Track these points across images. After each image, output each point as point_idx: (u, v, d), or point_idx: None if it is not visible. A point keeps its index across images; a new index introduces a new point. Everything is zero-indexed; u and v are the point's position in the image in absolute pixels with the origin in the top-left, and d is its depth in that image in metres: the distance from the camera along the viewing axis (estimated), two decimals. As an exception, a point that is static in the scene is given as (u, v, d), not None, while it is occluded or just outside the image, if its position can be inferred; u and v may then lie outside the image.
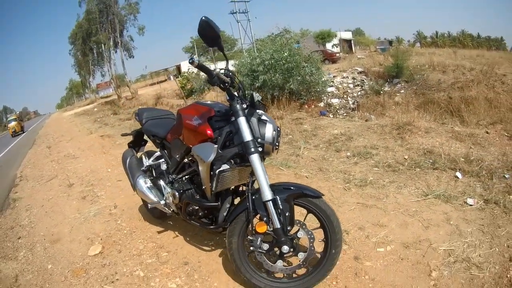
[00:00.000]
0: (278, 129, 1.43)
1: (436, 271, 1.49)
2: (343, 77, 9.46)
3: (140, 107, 5.64)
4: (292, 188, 1.40)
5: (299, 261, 1.43)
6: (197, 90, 7.01)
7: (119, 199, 2.87)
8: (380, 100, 7.60)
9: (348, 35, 25.21)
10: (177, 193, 1.70)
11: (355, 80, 9.20)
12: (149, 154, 2.21)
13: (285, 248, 1.37)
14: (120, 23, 18.00)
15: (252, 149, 1.33)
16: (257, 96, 1.38)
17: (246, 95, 1.46)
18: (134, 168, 2.09)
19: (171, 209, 1.87)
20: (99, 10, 17.36)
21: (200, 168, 1.46)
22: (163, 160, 1.99)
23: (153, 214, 2.35)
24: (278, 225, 1.34)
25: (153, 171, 2.12)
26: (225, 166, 1.41)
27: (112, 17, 17.64)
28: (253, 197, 1.39)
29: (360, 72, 10.02)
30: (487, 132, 3.62)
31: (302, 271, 1.48)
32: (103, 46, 18.67)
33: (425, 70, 9.37)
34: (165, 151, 1.99)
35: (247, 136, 1.34)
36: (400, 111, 5.80)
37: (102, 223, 2.45)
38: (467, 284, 1.39)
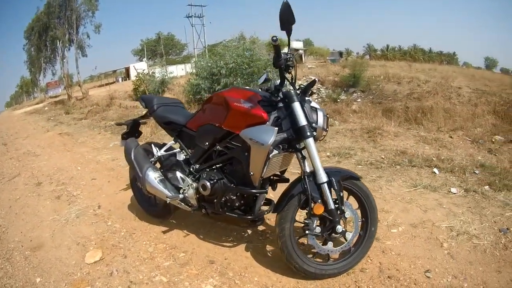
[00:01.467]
0: (327, 115, 1.64)
1: (446, 243, 1.88)
2: (299, 85, 10.39)
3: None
4: (340, 171, 1.61)
5: (346, 241, 1.63)
6: (152, 92, 6.90)
7: (101, 198, 2.74)
8: (338, 107, 8.52)
9: (299, 45, 27.11)
10: (208, 183, 1.73)
11: (311, 89, 10.15)
12: (156, 145, 2.17)
13: (339, 228, 1.56)
14: (77, 19, 18.03)
15: (308, 133, 1.50)
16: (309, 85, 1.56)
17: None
18: (142, 159, 2.04)
19: (189, 204, 1.88)
20: (59, 4, 17.30)
21: (252, 153, 1.52)
22: (179, 149, 2.00)
23: (150, 213, 2.29)
24: (332, 206, 1.53)
25: (163, 162, 2.09)
26: (275, 151, 1.54)
27: (70, 13, 17.54)
28: (308, 180, 1.55)
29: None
30: (451, 137, 4.49)
31: (343, 253, 1.68)
32: (58, 42, 18.38)
33: (380, 81, 10.83)
34: (180, 140, 2.01)
35: (303, 120, 1.51)
36: (364, 117, 6.67)
37: (89, 225, 2.28)
38: (472, 251, 1.81)
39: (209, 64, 6.11)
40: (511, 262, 1.71)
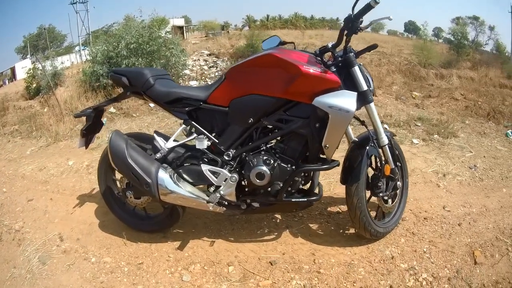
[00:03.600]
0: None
1: (440, 183, 2.51)
2: (194, 60, 10.29)
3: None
4: (387, 131, 1.82)
5: (396, 193, 1.88)
6: (44, 87, 6.39)
7: (55, 225, 2.14)
8: None
9: (180, 22, 28.48)
10: (266, 170, 1.58)
11: (207, 62, 10.26)
12: (158, 134, 1.78)
13: (399, 184, 1.82)
14: None
15: (370, 97, 1.62)
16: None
17: None
18: (145, 158, 1.66)
19: (226, 203, 1.69)
20: None
21: (332, 122, 1.49)
22: (197, 135, 1.69)
23: (143, 229, 1.95)
24: (393, 165, 1.74)
25: (175, 157, 1.75)
26: None
27: None
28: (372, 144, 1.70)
29: (210, 55, 11.18)
30: (375, 96, 5.53)
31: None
32: None
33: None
34: (196, 122, 1.71)
35: (364, 85, 1.59)
36: None
37: (65, 271, 1.67)
38: (461, 186, 2.51)
39: (105, 48, 6.22)
40: (492, 188, 2.49)
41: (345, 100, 1.48)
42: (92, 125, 1.89)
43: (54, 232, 2.02)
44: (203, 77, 9.10)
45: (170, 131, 3.74)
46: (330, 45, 1.61)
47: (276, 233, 1.94)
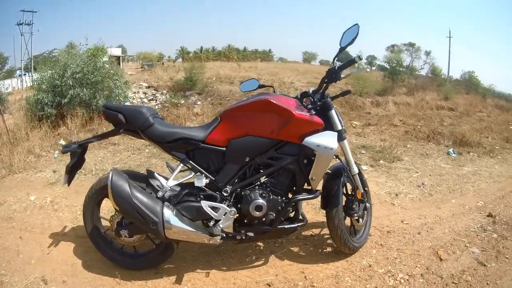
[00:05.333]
0: None
1: (395, 202, 3.16)
2: (134, 92, 10.43)
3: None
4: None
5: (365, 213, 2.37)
6: None
7: (32, 266, 2.16)
8: (180, 112, 9.32)
9: (118, 52, 29.39)
10: (264, 202, 1.91)
11: (147, 95, 10.49)
12: (151, 174, 2.03)
13: (367, 205, 2.33)
14: None
15: (344, 135, 2.10)
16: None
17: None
18: (149, 199, 1.85)
19: (224, 235, 1.95)
20: None
21: (319, 158, 1.89)
22: (195, 173, 1.94)
23: (135, 267, 2.09)
24: (363, 190, 2.27)
25: (175, 195, 1.97)
26: None
27: None
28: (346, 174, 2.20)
29: (149, 87, 11.42)
30: None
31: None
32: None
33: (213, 82, 12.46)
34: (193, 161, 1.95)
35: (339, 125, 2.02)
36: (206, 118, 7.85)
37: None
38: (413, 202, 3.16)
39: (50, 76, 6.37)
40: (441, 201, 3.20)
41: (329, 139, 1.91)
42: (77, 161, 2.02)
43: (35, 275, 2.04)
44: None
45: (126, 166, 3.92)
46: (311, 91, 2.08)
47: (263, 259, 2.24)
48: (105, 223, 2.14)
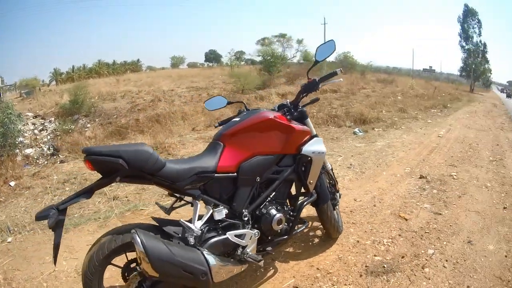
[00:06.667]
0: None
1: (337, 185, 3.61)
2: (23, 125, 9.31)
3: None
4: None
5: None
6: None
7: None
8: (74, 138, 8.53)
9: None
10: (282, 216, 1.99)
11: (36, 125, 9.91)
12: (172, 222, 1.79)
13: (339, 194, 2.71)
14: None
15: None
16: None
17: None
18: (186, 250, 1.65)
19: (250, 259, 1.88)
20: None
21: (314, 163, 2.08)
22: (209, 208, 1.80)
23: None
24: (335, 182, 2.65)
25: (202, 236, 1.79)
26: None
27: None
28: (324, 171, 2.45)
29: (35, 117, 10.27)
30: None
31: None
32: None
33: (96, 101, 11.52)
34: (207, 195, 1.81)
35: (314, 131, 2.25)
36: (100, 140, 7.53)
37: None
38: (351, 181, 3.68)
39: None
40: (374, 175, 3.80)
41: (320, 145, 2.14)
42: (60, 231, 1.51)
43: None
44: (37, 143, 8.45)
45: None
46: (288, 102, 2.23)
47: (271, 268, 2.28)
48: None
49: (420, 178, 3.67)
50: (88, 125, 10.17)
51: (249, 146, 1.90)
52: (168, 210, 1.88)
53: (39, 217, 1.47)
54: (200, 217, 1.76)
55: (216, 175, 1.79)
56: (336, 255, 2.38)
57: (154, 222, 1.77)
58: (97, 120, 10.76)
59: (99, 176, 1.58)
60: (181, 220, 1.73)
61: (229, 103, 2.40)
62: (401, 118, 6.84)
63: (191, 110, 10.16)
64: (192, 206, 1.79)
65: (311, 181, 2.14)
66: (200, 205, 1.76)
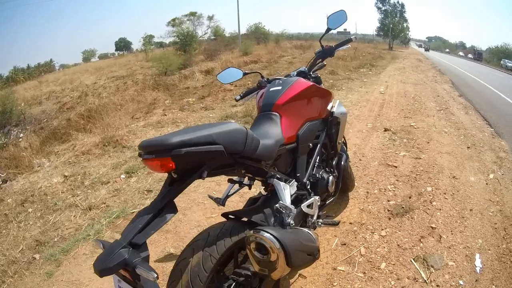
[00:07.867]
0: None
1: None
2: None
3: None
4: None
5: None
6: None
7: None
8: (11, 152, 7.85)
9: None
10: (333, 178, 2.06)
11: None
12: (248, 211, 1.59)
13: None
14: None
15: None
16: None
17: None
18: (300, 233, 1.46)
19: (324, 224, 1.90)
20: None
21: (341, 123, 2.16)
22: (280, 185, 1.60)
23: None
24: None
25: (297, 215, 1.64)
26: None
27: None
28: None
29: None
30: (165, 114, 6.46)
31: None
32: None
33: (23, 108, 10.48)
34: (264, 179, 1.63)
35: None
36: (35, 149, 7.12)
37: None
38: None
39: None
40: None
41: (342, 107, 2.22)
42: None
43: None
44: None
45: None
46: (306, 68, 2.19)
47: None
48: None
49: (385, 131, 4.13)
50: (21, 134, 9.33)
51: (301, 114, 1.85)
52: (223, 201, 1.79)
53: (105, 270, 0.99)
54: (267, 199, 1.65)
55: (287, 147, 1.70)
56: (358, 208, 2.63)
57: (226, 219, 1.49)
58: (28, 127, 9.90)
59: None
60: (280, 202, 1.51)
61: (245, 74, 2.23)
62: (336, 80, 7.14)
63: (121, 100, 9.79)
64: (249, 188, 1.70)
65: (339, 142, 2.23)
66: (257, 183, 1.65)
